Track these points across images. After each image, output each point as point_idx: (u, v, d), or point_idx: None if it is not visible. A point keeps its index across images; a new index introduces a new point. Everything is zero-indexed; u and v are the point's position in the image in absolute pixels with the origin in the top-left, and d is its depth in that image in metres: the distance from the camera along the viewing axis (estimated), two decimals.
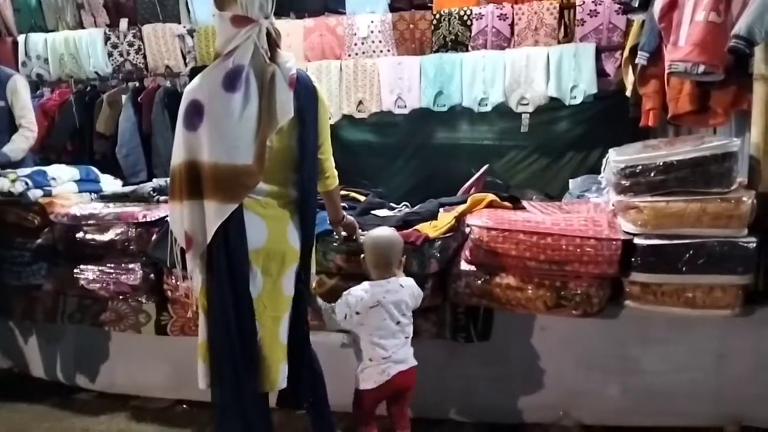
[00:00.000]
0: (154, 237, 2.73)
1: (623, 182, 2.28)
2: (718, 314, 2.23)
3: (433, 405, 2.58)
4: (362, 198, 3.02)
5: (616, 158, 2.36)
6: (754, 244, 2.16)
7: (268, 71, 1.98)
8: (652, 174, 2.20)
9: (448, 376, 2.56)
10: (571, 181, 3.51)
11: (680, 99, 2.74)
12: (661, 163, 2.22)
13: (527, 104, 4.04)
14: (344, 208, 2.54)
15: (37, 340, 3.16)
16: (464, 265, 2.45)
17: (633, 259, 2.22)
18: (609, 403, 2.48)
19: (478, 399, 2.57)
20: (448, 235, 2.47)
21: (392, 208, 2.94)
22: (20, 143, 3.53)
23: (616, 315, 2.38)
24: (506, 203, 2.58)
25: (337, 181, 2.29)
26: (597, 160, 3.57)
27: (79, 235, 2.86)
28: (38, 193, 3.01)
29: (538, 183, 4.36)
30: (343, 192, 2.90)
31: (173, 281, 2.74)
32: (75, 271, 2.88)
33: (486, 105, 4.15)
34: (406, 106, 4.28)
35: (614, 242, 2.20)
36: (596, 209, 2.53)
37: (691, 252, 2.15)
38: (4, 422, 2.80)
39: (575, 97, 3.94)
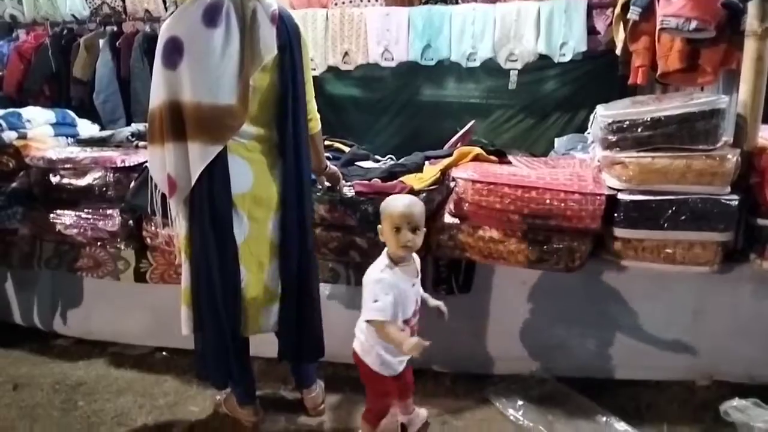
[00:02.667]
0: (132, 184, 2.66)
1: (610, 137, 2.26)
2: (697, 271, 2.25)
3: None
4: (346, 149, 2.98)
5: (603, 113, 2.34)
6: (736, 202, 2.17)
7: (248, 6, 1.91)
8: (639, 129, 2.19)
9: (428, 327, 2.56)
10: (556, 139, 3.49)
11: (670, 56, 2.72)
12: (649, 119, 2.21)
13: (516, 60, 3.96)
14: (328, 158, 2.49)
15: (14, 286, 3.12)
16: (448, 218, 2.43)
17: (616, 215, 2.23)
18: (585, 357, 2.53)
19: (458, 350, 2.59)
20: (432, 187, 2.45)
21: (377, 161, 2.91)
22: None
23: (596, 270, 2.40)
24: (492, 157, 2.55)
25: (320, 125, 2.24)
26: (583, 120, 3.54)
27: (56, 179, 2.79)
28: (12, 135, 2.92)
29: (523, 143, 4.31)
30: (327, 142, 2.86)
31: (152, 228, 2.69)
32: (51, 215, 2.83)
33: (474, 60, 4.06)
34: (393, 59, 4.18)
35: (598, 197, 2.19)
36: (582, 165, 2.52)
37: (673, 208, 2.16)
38: None
39: (564, 55, 3.87)
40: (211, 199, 1.96)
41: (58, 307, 3.05)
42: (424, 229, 1.92)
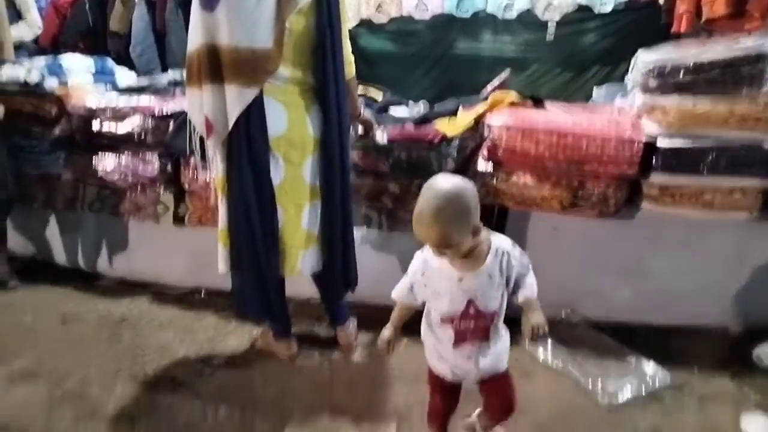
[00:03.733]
0: (171, 127, 2.72)
1: (650, 83, 2.22)
2: (736, 217, 2.22)
3: None
4: (380, 96, 2.98)
5: (644, 58, 2.29)
6: None
7: None
8: (681, 74, 2.14)
9: None
10: (595, 88, 3.42)
11: (716, 1, 2.63)
12: (691, 64, 2.15)
13: (554, 11, 3.89)
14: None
15: (59, 228, 3.24)
16: (481, 165, 2.43)
17: (654, 161, 2.20)
18: (617, 303, 2.54)
19: None
20: (466, 134, 2.45)
21: (411, 108, 2.90)
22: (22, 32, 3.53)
23: (631, 217, 2.39)
24: (528, 102, 2.53)
25: (354, 70, 2.24)
26: (624, 74, 3.47)
27: (96, 125, 2.87)
28: (54, 83, 2.99)
29: (560, 97, 4.26)
30: (360, 89, 2.86)
31: (190, 173, 2.76)
32: (93, 161, 2.91)
33: (511, 11, 4.00)
34: (428, 10, 4.14)
35: (636, 143, 2.17)
36: (620, 111, 2.48)
37: (714, 154, 2.12)
38: (30, 303, 2.92)
39: (605, 4, 3.78)
40: (248, 140, 2.00)
41: (102, 249, 3.17)
42: (468, 239, 1.45)
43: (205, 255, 2.48)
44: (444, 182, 1.44)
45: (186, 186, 2.82)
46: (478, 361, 1.60)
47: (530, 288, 1.57)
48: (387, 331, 1.66)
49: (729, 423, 2.02)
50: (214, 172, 2.18)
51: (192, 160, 2.73)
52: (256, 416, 2.06)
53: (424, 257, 1.57)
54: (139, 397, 2.18)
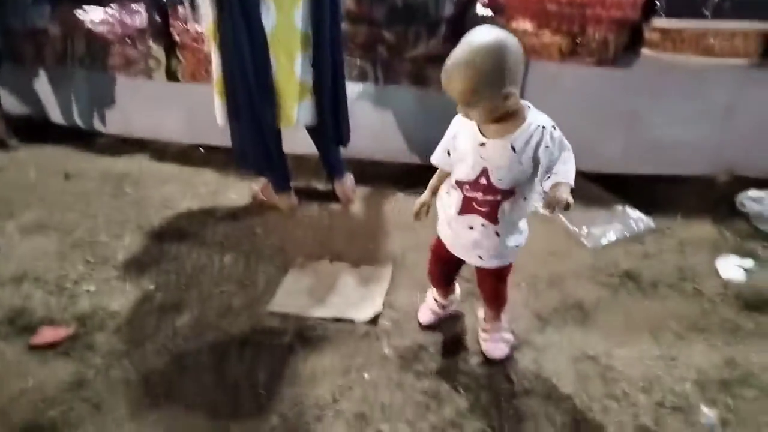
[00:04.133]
0: None
1: None
2: (735, 63, 2.18)
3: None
4: None
5: None
6: None
7: None
8: None
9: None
10: None
11: None
12: None
13: None
14: None
15: (51, 86, 3.21)
16: (481, 10, 2.35)
17: (657, 3, 2.12)
18: (610, 153, 2.57)
19: None
20: None
21: None
22: None
23: (630, 64, 2.34)
24: None
25: None
26: None
27: None
28: None
29: None
30: None
31: (180, 24, 2.67)
32: (78, 12, 2.81)
33: None
34: None
35: None
36: None
37: None
38: (32, 161, 2.97)
39: None
40: None
41: (97, 107, 3.16)
42: (498, 102, 1.28)
43: (202, 111, 2.48)
44: (484, 33, 1.26)
45: (177, 38, 2.74)
46: (479, 242, 1.49)
47: (563, 174, 1.36)
48: (424, 196, 1.60)
49: (705, 264, 2.13)
50: (204, 19, 2.11)
51: (180, 9, 2.64)
52: (259, 262, 2.18)
53: (459, 119, 1.45)
54: (148, 245, 2.29)
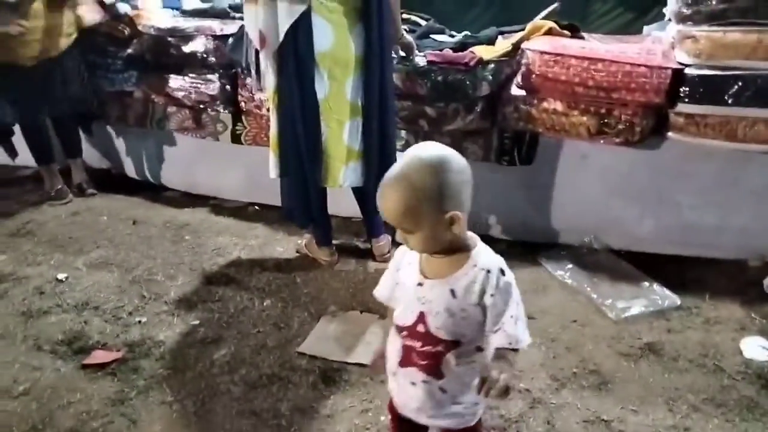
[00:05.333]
0: (230, 39, 2.94)
1: (684, 11, 2.25)
2: (759, 149, 2.27)
3: (475, 222, 2.77)
4: (423, 22, 3.09)
5: None
6: None
7: None
8: (714, 2, 2.17)
9: (491, 196, 2.77)
10: (645, 27, 3.39)
11: None
12: None
13: None
14: (404, 30, 2.63)
15: (129, 144, 3.59)
16: (515, 91, 2.55)
17: (681, 89, 2.26)
18: (639, 232, 2.64)
19: (517, 218, 2.80)
20: (503, 59, 2.55)
21: (452, 36, 3.01)
22: None
23: (657, 146, 2.46)
24: (565, 32, 2.60)
25: None
26: None
27: (164, 46, 3.13)
28: (126, 6, 3.26)
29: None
30: (404, 15, 2.98)
31: (246, 92, 3.00)
32: (161, 79, 3.19)
33: None
34: None
35: (664, 70, 2.23)
36: (655, 41, 2.52)
37: (740, 84, 2.16)
38: (106, 207, 3.31)
39: None
40: (296, 54, 2.20)
41: (167, 164, 3.50)
42: (438, 229, 1.08)
43: (259, 172, 2.74)
44: (426, 148, 1.09)
45: (242, 105, 3.07)
46: (424, 401, 1.19)
47: (506, 335, 1.11)
48: (374, 354, 1.34)
49: (729, 343, 2.13)
50: (267, 83, 2.38)
51: (248, 81, 2.97)
52: (295, 308, 2.35)
53: (404, 250, 1.22)
54: (197, 286, 2.51)
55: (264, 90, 2.50)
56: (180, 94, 3.15)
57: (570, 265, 2.57)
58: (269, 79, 2.33)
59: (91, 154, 3.72)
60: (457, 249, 1.13)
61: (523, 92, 2.51)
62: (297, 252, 2.78)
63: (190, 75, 3.12)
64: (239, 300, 2.40)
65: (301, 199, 2.46)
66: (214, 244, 2.87)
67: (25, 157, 3.43)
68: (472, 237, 1.16)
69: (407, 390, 1.22)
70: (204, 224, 3.10)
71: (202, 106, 3.16)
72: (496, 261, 1.13)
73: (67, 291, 2.46)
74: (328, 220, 2.61)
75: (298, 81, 2.23)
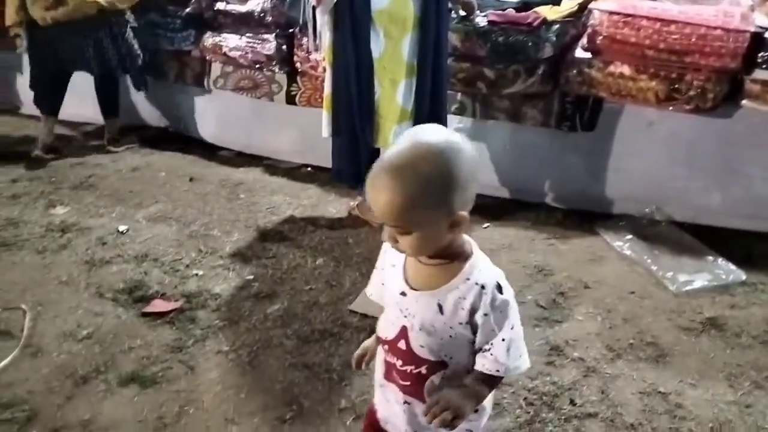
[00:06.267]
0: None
1: None
2: None
3: (530, 189, 2.76)
4: None
5: None
6: None
7: None
8: None
9: (548, 163, 2.70)
10: None
11: None
12: None
13: None
14: None
15: (187, 103, 3.64)
16: (580, 53, 2.46)
17: (760, 55, 2.14)
18: (703, 204, 2.54)
19: (574, 187, 2.72)
20: (567, 19, 2.46)
21: None
22: None
23: (729, 115, 2.35)
24: None
25: None
26: None
27: (222, 5, 3.15)
28: None
29: None
30: None
31: (302, 53, 2.99)
32: (218, 39, 3.21)
33: None
34: None
35: (742, 34, 2.11)
36: (733, 3, 2.37)
37: None
38: (164, 164, 3.38)
39: None
40: (352, 10, 2.17)
41: (223, 124, 3.54)
42: (435, 230, 0.90)
43: (313, 134, 2.74)
44: (433, 131, 0.91)
45: (298, 66, 3.06)
46: (407, 424, 1.04)
47: (493, 361, 0.94)
48: (368, 341, 1.15)
49: None
50: (323, 41, 2.36)
51: (304, 41, 2.95)
52: (347, 267, 2.36)
53: (387, 247, 1.03)
54: (252, 242, 2.55)
55: (320, 49, 2.48)
56: (236, 54, 3.17)
57: (629, 236, 2.49)
58: (325, 37, 2.31)
59: (150, 113, 3.80)
60: (451, 255, 0.95)
61: (588, 55, 2.42)
62: (349, 213, 2.78)
63: (247, 35, 3.12)
64: (292, 257, 2.43)
65: (352, 159, 2.45)
66: (268, 203, 2.90)
67: (87, 112, 3.50)
68: (469, 242, 0.98)
69: (392, 407, 1.07)
70: (258, 183, 3.14)
71: (257, 66, 3.17)
72: (493, 275, 0.95)
73: (127, 242, 2.53)
74: None
75: (353, 39, 2.21)
